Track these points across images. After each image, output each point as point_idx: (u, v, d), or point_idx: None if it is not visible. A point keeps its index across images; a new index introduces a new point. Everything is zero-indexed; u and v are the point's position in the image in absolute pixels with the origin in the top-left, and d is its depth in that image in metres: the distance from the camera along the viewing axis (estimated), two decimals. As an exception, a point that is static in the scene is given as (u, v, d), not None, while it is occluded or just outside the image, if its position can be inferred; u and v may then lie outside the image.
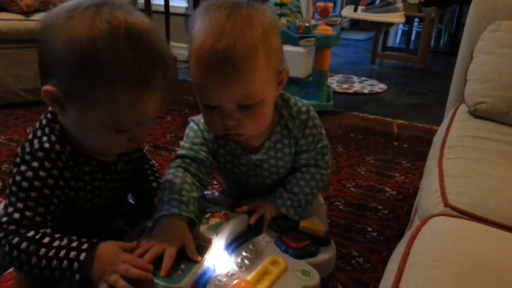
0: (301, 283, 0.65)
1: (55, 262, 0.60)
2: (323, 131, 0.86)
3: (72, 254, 0.61)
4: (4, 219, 0.63)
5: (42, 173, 0.64)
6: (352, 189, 1.72)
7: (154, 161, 0.89)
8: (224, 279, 0.64)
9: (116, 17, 0.59)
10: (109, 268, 0.61)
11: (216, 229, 0.70)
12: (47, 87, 0.62)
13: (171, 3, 3.42)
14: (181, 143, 0.83)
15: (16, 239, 0.61)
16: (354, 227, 1.46)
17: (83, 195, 0.70)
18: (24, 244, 0.61)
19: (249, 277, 0.64)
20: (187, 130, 0.84)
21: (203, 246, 0.67)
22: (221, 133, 0.76)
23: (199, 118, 0.82)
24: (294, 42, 2.29)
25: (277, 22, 0.75)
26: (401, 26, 5.16)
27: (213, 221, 0.72)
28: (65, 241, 0.62)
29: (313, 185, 0.85)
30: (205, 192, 0.90)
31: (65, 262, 0.60)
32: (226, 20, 0.67)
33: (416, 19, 4.88)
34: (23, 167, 0.64)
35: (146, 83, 0.61)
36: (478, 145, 0.92)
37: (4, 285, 0.64)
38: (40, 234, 0.62)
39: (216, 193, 0.91)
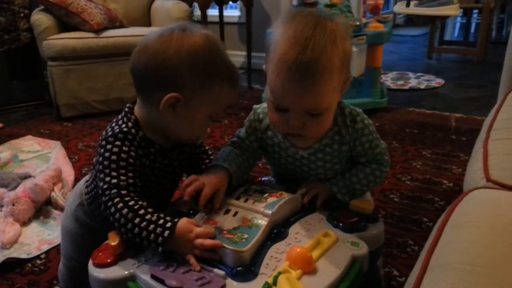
0: (350, 252, 0.72)
1: (144, 232, 0.73)
2: (378, 135, 0.90)
3: (159, 230, 0.72)
4: (105, 186, 0.77)
5: (125, 148, 0.79)
6: (408, 182, 1.74)
7: (211, 152, 1.01)
8: (282, 248, 0.73)
9: (209, 34, 0.80)
10: (186, 243, 0.72)
11: (273, 206, 0.78)
12: (173, 94, 0.77)
13: (225, 13, 3.58)
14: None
15: (120, 204, 0.74)
16: (410, 218, 1.47)
17: (147, 171, 0.84)
18: (125, 210, 0.74)
19: (304, 246, 0.72)
20: (247, 118, 0.95)
21: (262, 220, 0.76)
22: (283, 132, 0.84)
23: (258, 107, 0.93)
24: (345, 42, 2.33)
25: (351, 36, 0.82)
26: (458, 18, 4.99)
27: (271, 199, 0.81)
28: (155, 217, 0.74)
29: (371, 179, 0.90)
30: (263, 179, 1.00)
31: (152, 235, 0.72)
32: (312, 32, 0.72)
33: (475, 11, 4.71)
34: (108, 146, 0.79)
35: (237, 80, 0.82)
36: (524, 126, 0.93)
37: (97, 258, 0.75)
38: (138, 206, 0.75)
39: (273, 179, 1.00)
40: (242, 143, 0.93)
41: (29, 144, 2.21)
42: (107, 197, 0.76)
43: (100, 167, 0.79)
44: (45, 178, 1.61)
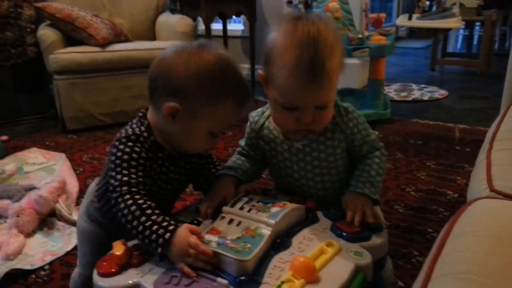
0: (354, 262, 0.72)
1: (147, 231, 0.75)
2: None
3: (161, 231, 0.75)
4: (116, 183, 0.80)
5: (136, 149, 0.83)
6: (412, 193, 1.73)
7: (218, 162, 1.04)
8: (285, 257, 0.73)
9: (223, 55, 0.83)
10: (181, 250, 0.73)
11: (277, 216, 0.79)
12: (173, 104, 0.81)
13: (228, 27, 3.62)
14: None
15: (130, 201, 0.78)
16: (415, 229, 1.47)
17: (153, 174, 0.87)
18: (134, 207, 0.77)
19: (307, 255, 0.72)
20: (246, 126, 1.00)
21: (265, 230, 0.76)
22: (292, 129, 0.86)
23: (252, 112, 0.98)
24: (348, 54, 2.35)
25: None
26: (461, 31, 5.03)
27: (274, 209, 0.81)
28: (160, 218, 0.77)
29: (383, 166, 0.93)
30: (268, 188, 1.01)
31: (154, 235, 0.75)
32: (318, 33, 0.77)
33: (478, 23, 4.74)
34: (121, 146, 0.83)
35: (244, 101, 0.84)
36: (526, 136, 0.94)
37: (102, 267, 0.75)
38: (146, 205, 0.78)
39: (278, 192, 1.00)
40: (244, 150, 1.01)
41: (34, 156, 2.23)
42: (117, 193, 0.79)
43: (112, 165, 0.82)
44: (50, 190, 1.62)
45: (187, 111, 0.81)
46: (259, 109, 0.99)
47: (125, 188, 0.79)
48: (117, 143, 0.84)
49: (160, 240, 0.74)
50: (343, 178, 0.94)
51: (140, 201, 0.78)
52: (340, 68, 0.81)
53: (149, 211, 0.77)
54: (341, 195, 0.90)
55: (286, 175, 0.96)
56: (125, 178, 0.80)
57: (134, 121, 0.89)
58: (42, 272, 1.32)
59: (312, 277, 0.67)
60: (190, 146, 0.88)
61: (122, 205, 0.78)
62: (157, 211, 0.78)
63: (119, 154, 0.82)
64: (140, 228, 0.76)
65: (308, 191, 0.95)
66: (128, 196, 0.78)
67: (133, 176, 0.81)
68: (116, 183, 0.80)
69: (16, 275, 1.30)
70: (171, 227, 0.75)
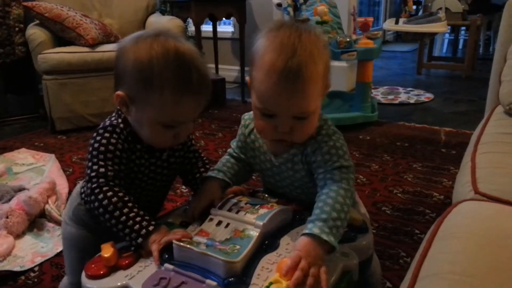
0: (341, 262, 0.74)
1: (130, 222, 0.79)
2: (345, 154, 0.84)
3: (144, 223, 0.79)
4: (93, 174, 0.82)
5: (112, 140, 0.84)
6: (399, 194, 1.76)
7: (207, 160, 1.04)
8: (273, 259, 0.74)
9: (168, 43, 0.80)
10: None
11: (265, 217, 0.80)
12: (118, 92, 0.83)
13: (218, 29, 3.63)
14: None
15: (110, 193, 0.80)
16: (402, 230, 1.50)
17: (132, 166, 0.88)
18: (115, 199, 0.80)
19: (295, 256, 0.73)
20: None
21: (253, 231, 0.78)
22: (270, 138, 0.86)
23: (245, 114, 0.99)
24: (336, 57, 2.38)
25: (329, 49, 0.85)
26: (447, 35, 5.10)
27: (262, 211, 0.82)
28: (141, 212, 0.81)
29: (341, 200, 0.77)
30: (256, 190, 1.02)
31: (136, 225, 0.79)
32: (298, 39, 0.76)
33: (463, 28, 4.82)
34: (98, 137, 0.84)
35: (185, 92, 0.80)
36: (510, 140, 0.96)
37: (90, 270, 0.75)
38: (127, 198, 0.81)
39: (266, 194, 1.01)
40: (234, 152, 1.00)
41: (23, 157, 2.22)
42: (95, 184, 0.81)
43: (89, 156, 0.84)
44: (39, 191, 1.61)
45: (131, 100, 0.82)
46: (251, 112, 0.98)
47: (102, 180, 0.81)
48: (95, 134, 0.86)
49: (143, 231, 0.78)
50: None
51: (120, 194, 0.81)
52: (321, 78, 0.78)
53: (130, 204, 0.80)
54: None
55: (269, 182, 0.98)
56: (102, 170, 0.82)
57: (113, 114, 0.90)
58: (32, 274, 1.32)
59: (300, 279, 0.68)
60: (149, 138, 0.86)
61: (100, 196, 0.80)
62: (137, 205, 0.81)
63: (96, 145, 0.84)
64: (123, 218, 0.79)
65: (293, 198, 0.95)
66: (106, 188, 0.80)
67: (110, 168, 0.82)
68: (93, 174, 0.82)
69: (5, 276, 1.30)
70: (153, 222, 0.80)
